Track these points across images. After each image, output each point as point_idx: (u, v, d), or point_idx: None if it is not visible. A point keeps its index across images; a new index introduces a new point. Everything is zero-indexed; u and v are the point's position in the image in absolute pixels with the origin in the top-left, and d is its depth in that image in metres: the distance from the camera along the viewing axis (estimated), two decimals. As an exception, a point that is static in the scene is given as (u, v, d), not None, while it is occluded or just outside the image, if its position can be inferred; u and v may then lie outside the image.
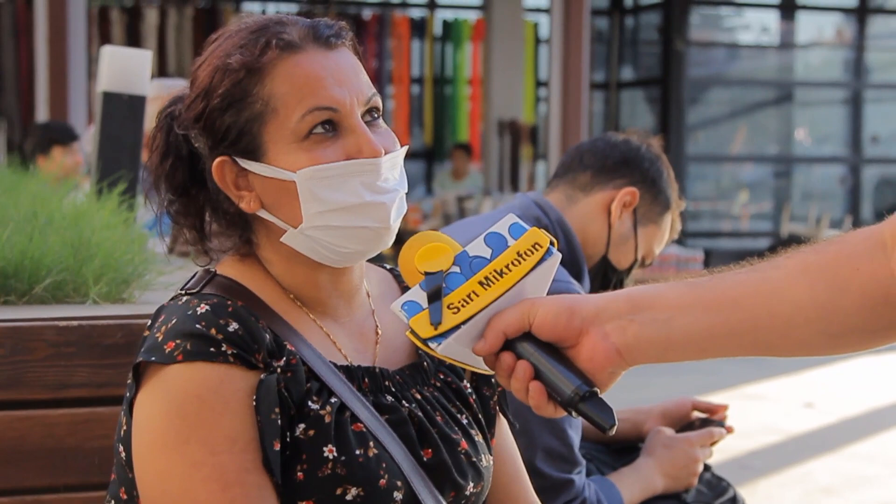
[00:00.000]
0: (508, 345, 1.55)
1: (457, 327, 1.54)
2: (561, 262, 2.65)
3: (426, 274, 1.58)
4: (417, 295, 1.57)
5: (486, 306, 1.55)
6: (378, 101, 1.78)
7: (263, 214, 1.75)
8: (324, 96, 1.71)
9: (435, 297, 1.55)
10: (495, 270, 1.57)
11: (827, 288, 1.50)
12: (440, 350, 1.54)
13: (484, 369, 1.59)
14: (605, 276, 2.91)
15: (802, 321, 1.51)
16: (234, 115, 1.72)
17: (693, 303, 1.54)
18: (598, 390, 1.54)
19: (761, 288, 1.53)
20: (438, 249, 1.60)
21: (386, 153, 1.74)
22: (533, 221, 2.74)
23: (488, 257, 1.58)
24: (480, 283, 1.56)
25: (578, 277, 2.80)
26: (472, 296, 1.55)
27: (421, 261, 1.59)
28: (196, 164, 1.78)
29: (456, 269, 1.58)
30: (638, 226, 2.89)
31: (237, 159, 1.73)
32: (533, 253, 1.58)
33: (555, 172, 2.97)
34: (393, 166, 1.75)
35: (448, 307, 1.55)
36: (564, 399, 1.52)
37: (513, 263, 1.57)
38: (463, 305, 1.55)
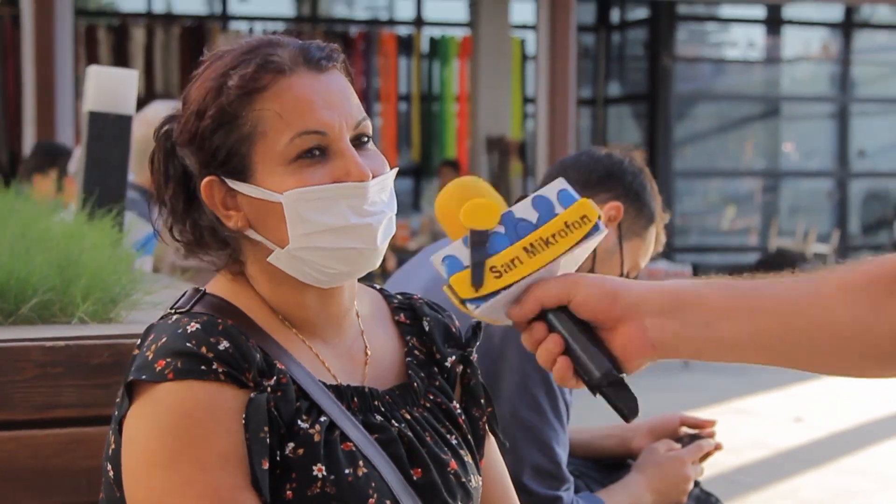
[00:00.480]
0: (542, 315, 1.54)
1: (497, 292, 1.52)
2: None
3: (472, 231, 1.55)
4: (460, 251, 1.55)
5: (529, 275, 1.53)
6: (367, 125, 1.78)
7: (251, 234, 1.75)
8: (313, 120, 1.71)
9: (479, 258, 1.53)
10: (542, 238, 1.54)
11: (867, 307, 1.49)
12: (478, 312, 1.53)
13: (508, 323, 1.57)
14: None
15: (839, 340, 1.50)
16: (223, 136, 1.72)
17: (735, 308, 1.53)
18: (625, 377, 1.53)
19: (802, 301, 1.52)
20: (486, 207, 1.57)
21: (374, 177, 1.74)
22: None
23: (534, 222, 1.56)
24: (526, 250, 1.54)
25: None
26: (517, 261, 1.53)
27: (468, 216, 1.56)
28: (188, 183, 1.78)
29: (501, 229, 1.55)
30: (623, 240, 2.87)
31: (225, 179, 1.73)
32: (581, 226, 1.55)
33: (538, 188, 2.96)
34: (381, 189, 1.75)
35: (491, 270, 1.53)
36: (592, 380, 1.51)
37: (560, 234, 1.55)
38: (506, 270, 1.53)
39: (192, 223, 1.80)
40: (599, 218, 1.56)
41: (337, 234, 1.71)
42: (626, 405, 1.51)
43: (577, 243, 1.55)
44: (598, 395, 1.53)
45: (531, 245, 1.54)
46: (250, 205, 1.73)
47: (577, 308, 1.53)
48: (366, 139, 1.78)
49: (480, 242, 1.54)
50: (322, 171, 1.71)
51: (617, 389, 1.51)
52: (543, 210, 1.56)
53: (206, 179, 1.74)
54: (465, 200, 1.58)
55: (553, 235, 1.54)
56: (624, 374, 1.53)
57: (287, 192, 1.70)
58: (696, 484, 3.06)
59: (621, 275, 2.89)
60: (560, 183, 1.59)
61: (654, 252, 2.98)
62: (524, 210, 1.57)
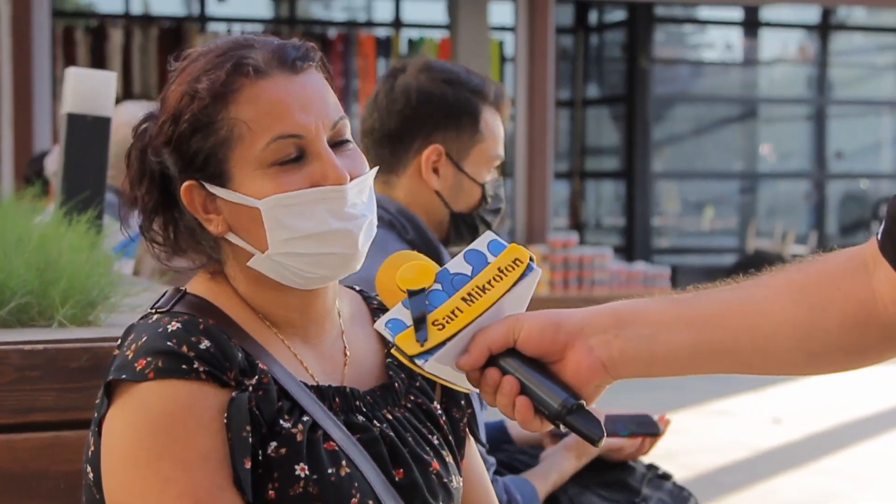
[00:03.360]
0: (493, 361, 1.56)
1: (443, 343, 1.55)
2: (415, 248, 2.63)
3: (409, 292, 1.58)
4: (401, 313, 1.58)
5: (471, 322, 1.56)
6: (345, 124, 1.77)
7: (231, 238, 1.75)
8: (289, 123, 1.70)
9: (419, 314, 1.56)
10: (477, 286, 1.58)
11: (809, 307, 1.50)
12: (427, 367, 1.55)
13: (467, 388, 1.60)
14: (469, 225, 2.77)
15: (784, 340, 1.52)
16: (200, 141, 1.71)
17: (676, 319, 1.55)
18: (585, 403, 1.55)
19: (744, 306, 1.54)
20: (419, 268, 1.61)
21: (352, 179, 1.73)
22: (381, 223, 2.42)
23: (469, 274, 1.60)
24: (464, 300, 1.57)
25: (437, 258, 2.64)
26: (457, 312, 1.57)
27: (402, 279, 1.60)
28: (168, 185, 1.78)
29: (438, 286, 1.59)
30: (461, 164, 2.74)
31: (205, 184, 1.73)
32: (514, 268, 1.59)
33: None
34: (360, 191, 1.75)
35: (433, 324, 1.56)
36: (552, 413, 1.53)
37: (494, 279, 1.59)
38: (447, 322, 1.56)
39: (165, 222, 1.80)
40: (531, 259, 1.60)
41: (317, 239, 1.71)
42: (590, 430, 1.53)
43: (513, 285, 1.59)
44: (562, 428, 1.55)
45: (468, 294, 1.58)
46: (230, 209, 1.73)
47: (523, 345, 1.55)
48: (344, 139, 1.77)
49: (419, 300, 1.58)
50: (299, 175, 1.71)
51: (578, 417, 1.54)
52: (476, 262, 1.61)
53: (185, 184, 1.74)
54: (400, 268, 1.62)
55: (488, 282, 1.59)
56: (584, 402, 1.54)
57: (265, 198, 1.69)
58: (669, 477, 3.05)
59: (483, 191, 2.76)
60: (488, 235, 1.64)
61: (503, 136, 2.80)
62: (458, 265, 1.61)
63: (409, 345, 1.55)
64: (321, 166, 1.71)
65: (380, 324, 1.59)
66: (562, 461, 2.88)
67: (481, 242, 1.63)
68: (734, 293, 1.56)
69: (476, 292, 1.58)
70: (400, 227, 2.66)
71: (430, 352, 1.55)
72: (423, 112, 2.71)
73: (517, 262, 1.60)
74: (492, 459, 2.64)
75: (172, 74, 1.78)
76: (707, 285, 1.59)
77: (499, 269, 1.59)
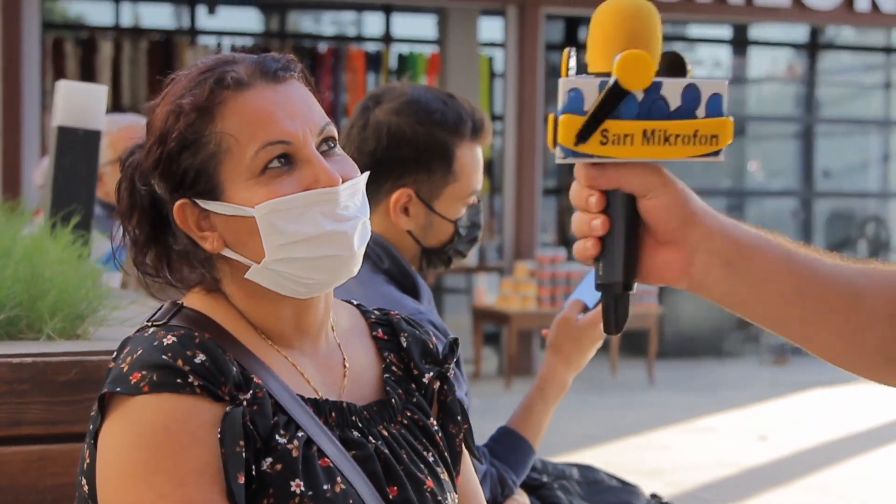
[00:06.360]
0: (611, 193, 1.45)
1: (591, 156, 1.42)
2: (392, 278, 2.63)
3: (616, 83, 1.39)
4: (590, 90, 1.41)
5: (631, 160, 1.43)
6: (332, 129, 1.79)
7: (228, 253, 1.76)
8: (276, 130, 1.72)
9: (603, 112, 1.41)
10: (665, 132, 1.43)
11: None
12: (561, 159, 1.43)
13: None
14: (441, 258, 2.73)
15: (877, 339, 1.48)
16: (189, 158, 1.73)
17: (786, 279, 1.48)
18: (632, 294, 1.48)
19: (855, 298, 1.48)
20: (644, 64, 1.38)
21: (344, 181, 1.75)
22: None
23: (671, 110, 1.43)
24: (644, 133, 1.42)
25: (414, 291, 2.66)
26: (629, 140, 1.42)
27: (622, 64, 1.38)
28: (160, 212, 1.79)
29: (640, 95, 1.41)
30: (432, 205, 2.69)
31: (197, 201, 1.74)
32: (707, 143, 1.45)
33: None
34: (353, 193, 1.77)
35: (602, 132, 1.41)
36: (598, 278, 1.47)
37: (684, 139, 1.44)
38: (614, 142, 1.42)
39: (158, 253, 1.81)
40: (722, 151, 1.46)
41: (312, 243, 1.72)
42: (613, 318, 1.48)
43: (693, 157, 1.44)
44: (598, 290, 1.49)
45: (651, 131, 1.42)
46: (224, 223, 1.74)
47: (646, 209, 1.46)
48: (332, 144, 1.79)
49: (615, 98, 1.40)
50: (291, 181, 1.72)
51: (617, 301, 1.48)
52: (688, 103, 1.44)
53: (177, 203, 1.75)
54: (632, 41, 1.40)
55: (676, 136, 1.43)
56: (633, 293, 1.48)
57: (258, 204, 1.70)
58: (655, 496, 3.06)
59: (455, 226, 2.71)
60: (720, 87, 1.46)
61: (482, 162, 2.74)
62: (671, 89, 1.43)
63: (568, 132, 1.41)
64: (312, 171, 1.73)
65: (565, 82, 1.41)
66: (551, 372, 2.79)
67: (708, 87, 1.45)
68: (846, 272, 1.50)
69: (659, 135, 1.43)
70: (375, 257, 2.64)
71: (575, 153, 1.41)
72: (393, 156, 2.65)
73: (716, 139, 1.44)
74: (483, 467, 2.63)
75: (154, 101, 1.80)
76: (818, 251, 1.54)
77: (696, 131, 1.44)
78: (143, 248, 1.81)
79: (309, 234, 1.71)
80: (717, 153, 1.45)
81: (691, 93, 1.44)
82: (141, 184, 1.77)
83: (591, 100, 1.41)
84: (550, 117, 1.42)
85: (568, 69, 1.43)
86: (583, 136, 1.41)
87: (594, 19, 1.42)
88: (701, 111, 1.44)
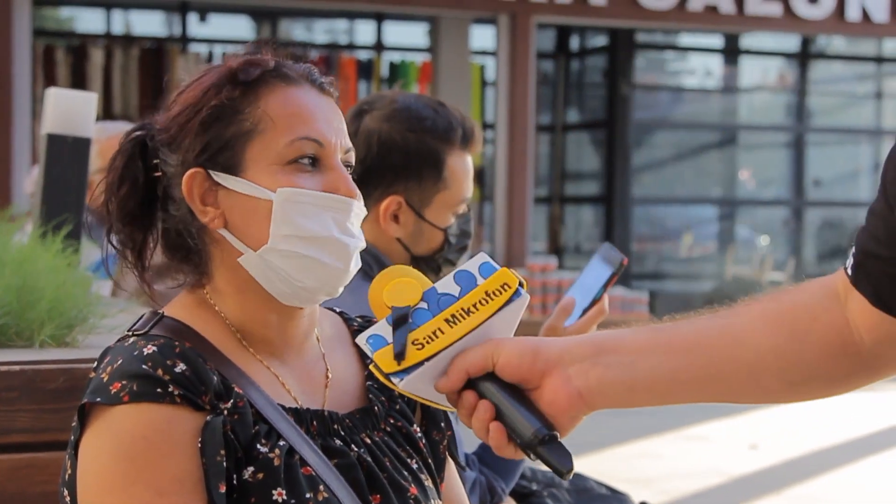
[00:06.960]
0: (471, 384, 1.56)
1: (420, 364, 1.54)
2: None
3: (393, 308, 1.58)
4: (383, 329, 1.57)
5: (451, 344, 1.55)
6: (352, 156, 1.83)
7: (224, 234, 1.76)
8: (314, 129, 1.76)
9: (400, 332, 1.56)
10: (462, 309, 1.57)
11: (788, 337, 1.52)
12: (402, 385, 1.54)
13: (445, 406, 1.60)
14: (431, 266, 2.72)
15: (764, 369, 1.53)
16: (219, 129, 1.74)
17: (656, 346, 1.56)
18: (558, 434, 1.54)
19: (725, 334, 1.55)
20: (408, 284, 1.60)
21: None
22: None
23: (456, 295, 1.59)
24: (447, 321, 1.56)
25: None
26: (438, 333, 1.56)
27: (389, 295, 1.60)
28: (150, 193, 1.79)
29: (424, 305, 1.58)
30: (422, 213, 2.70)
31: (212, 173, 1.74)
32: (501, 293, 1.58)
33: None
34: (358, 216, 1.80)
35: (413, 343, 1.55)
36: (524, 441, 1.53)
37: (480, 303, 1.58)
38: (428, 342, 1.55)
39: (137, 229, 1.82)
40: (521, 284, 1.59)
41: (317, 244, 1.73)
42: (559, 462, 1.52)
43: (499, 309, 1.57)
44: (533, 458, 1.54)
45: (452, 316, 1.57)
46: (232, 202, 1.75)
47: (502, 371, 1.55)
48: (350, 167, 1.82)
49: (402, 318, 1.57)
50: (313, 180, 1.75)
51: (549, 448, 1.53)
52: (465, 283, 1.60)
53: (190, 171, 1.75)
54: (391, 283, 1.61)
55: (474, 305, 1.58)
56: (557, 433, 1.54)
57: (280, 188, 1.72)
58: None
59: (445, 234, 2.72)
60: (481, 257, 1.62)
61: (470, 172, 2.72)
62: (447, 285, 1.60)
63: (387, 362, 1.55)
64: (334, 178, 1.77)
65: (361, 338, 1.58)
66: None
67: (473, 264, 1.62)
68: (713, 322, 1.57)
69: (460, 314, 1.57)
70: (365, 264, 2.65)
71: (406, 371, 1.54)
72: (383, 163, 2.67)
73: (505, 286, 1.59)
74: (471, 475, 2.64)
75: (185, 83, 1.82)
76: (685, 315, 1.60)
77: (486, 292, 1.58)
78: (122, 221, 1.81)
79: (317, 234, 1.73)
80: (517, 294, 1.58)
81: (462, 275, 1.60)
82: (147, 158, 1.79)
83: (388, 333, 1.56)
84: (371, 366, 1.57)
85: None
86: (400, 356, 1.54)
87: (369, 300, 1.62)
88: (479, 280, 1.60)
